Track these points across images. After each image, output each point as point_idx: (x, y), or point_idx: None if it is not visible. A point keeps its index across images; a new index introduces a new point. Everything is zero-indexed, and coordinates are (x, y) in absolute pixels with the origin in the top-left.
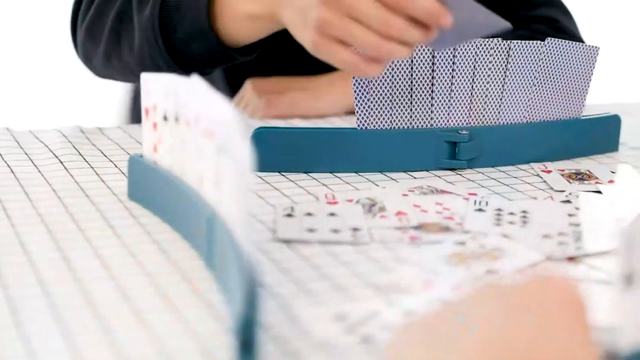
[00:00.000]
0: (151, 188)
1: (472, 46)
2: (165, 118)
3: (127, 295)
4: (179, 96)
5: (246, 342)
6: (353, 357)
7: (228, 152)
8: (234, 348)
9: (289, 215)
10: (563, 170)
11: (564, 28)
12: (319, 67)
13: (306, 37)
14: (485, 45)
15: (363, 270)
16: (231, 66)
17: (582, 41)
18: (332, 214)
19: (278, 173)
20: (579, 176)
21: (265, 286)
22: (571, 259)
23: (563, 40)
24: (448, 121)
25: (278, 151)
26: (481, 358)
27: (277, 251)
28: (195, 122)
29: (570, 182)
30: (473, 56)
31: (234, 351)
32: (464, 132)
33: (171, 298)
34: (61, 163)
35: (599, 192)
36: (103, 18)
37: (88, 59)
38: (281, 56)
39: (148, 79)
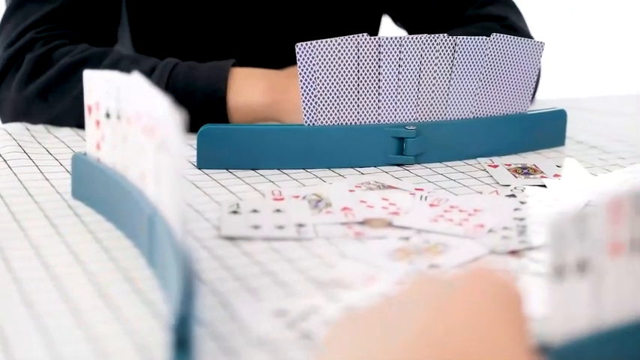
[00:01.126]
0: (94, 186)
1: (418, 41)
2: (107, 116)
3: (67, 294)
4: (120, 93)
5: (181, 340)
6: (292, 352)
7: (166, 149)
8: (170, 346)
9: (235, 212)
10: (509, 165)
11: (514, 25)
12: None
13: None
14: (431, 40)
15: (306, 266)
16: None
17: (531, 38)
18: (278, 211)
19: (225, 170)
20: (525, 170)
21: (206, 283)
22: (514, 252)
23: (509, 36)
24: (395, 116)
25: (225, 149)
26: (414, 350)
27: (221, 248)
28: (137, 119)
29: (516, 177)
30: (419, 52)
31: (169, 349)
32: (411, 127)
33: (112, 297)
34: (5, 161)
35: (544, 186)
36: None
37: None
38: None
39: (90, 76)
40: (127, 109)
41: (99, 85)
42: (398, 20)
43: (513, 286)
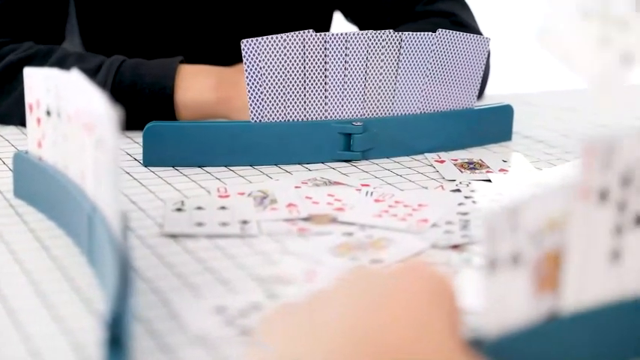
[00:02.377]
0: (35, 185)
1: (364, 37)
2: (48, 114)
3: (2, 293)
4: (60, 91)
5: (115, 337)
6: (230, 349)
7: (104, 146)
8: (103, 344)
9: (179, 210)
10: (456, 160)
11: (463, 22)
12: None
13: None
14: (377, 36)
15: (248, 263)
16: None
17: (480, 34)
18: (222, 208)
19: (172, 168)
20: (471, 165)
21: (147, 281)
22: (456, 246)
23: (454, 32)
24: (342, 112)
25: (171, 146)
26: (343, 342)
27: (163, 246)
28: (76, 117)
29: (462, 171)
30: (365, 48)
31: (103, 347)
32: (358, 123)
33: (49, 296)
34: None
35: (490, 180)
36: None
37: None
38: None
39: (30, 73)
40: (67, 107)
41: (39, 83)
42: (348, 16)
43: (447, 280)
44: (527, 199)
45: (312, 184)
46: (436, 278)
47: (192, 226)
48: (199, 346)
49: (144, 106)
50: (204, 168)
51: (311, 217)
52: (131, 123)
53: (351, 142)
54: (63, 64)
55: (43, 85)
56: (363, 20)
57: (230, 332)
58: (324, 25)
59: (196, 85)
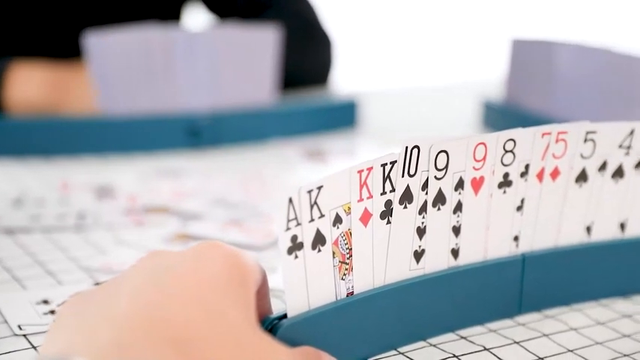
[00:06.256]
0: None
1: (187, 34)
2: None
3: None
4: None
5: None
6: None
7: None
8: None
9: (17, 203)
10: (299, 149)
11: (310, 19)
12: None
13: None
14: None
15: (79, 254)
16: None
17: (324, 32)
18: (62, 201)
19: (15, 159)
20: (313, 155)
21: None
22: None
23: (240, 27)
24: (189, 103)
25: (14, 137)
26: (131, 325)
27: None
28: None
29: (304, 161)
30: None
31: None
32: (205, 114)
33: None
34: None
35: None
36: None
37: None
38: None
39: None
40: None
41: None
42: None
43: (244, 259)
44: (324, 182)
45: (155, 174)
46: (232, 258)
47: (28, 219)
48: (21, 338)
49: None
50: (48, 159)
51: (150, 208)
52: None
53: (197, 133)
54: None
55: None
56: (222, 14)
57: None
58: (175, 16)
59: (27, 84)
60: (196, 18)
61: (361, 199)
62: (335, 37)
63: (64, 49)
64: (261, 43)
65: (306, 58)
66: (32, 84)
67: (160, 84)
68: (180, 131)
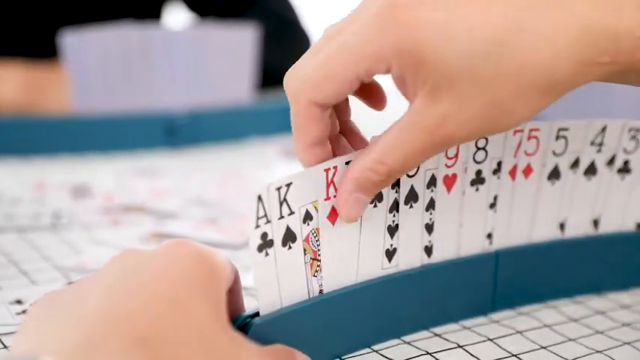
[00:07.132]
0: None
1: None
2: None
3: None
4: None
5: None
6: None
7: None
8: None
9: None
10: (278, 148)
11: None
12: None
13: None
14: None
15: (54, 254)
16: None
17: (304, 32)
18: (37, 200)
19: None
20: (293, 154)
21: None
22: None
23: (218, 26)
24: (167, 102)
25: None
26: (100, 323)
27: None
28: None
29: (283, 160)
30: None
31: None
32: (183, 113)
33: None
34: None
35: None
36: None
37: None
38: None
39: None
40: None
41: None
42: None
43: (214, 257)
44: (293, 179)
45: (132, 173)
46: (201, 255)
47: (2, 218)
48: None
49: None
50: (26, 158)
51: (127, 207)
52: None
53: (175, 132)
54: None
55: None
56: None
57: None
58: (155, 14)
59: (4, 83)
60: (177, 17)
61: (328, 198)
62: (315, 37)
63: (41, 48)
64: (240, 42)
65: (286, 57)
66: (8, 84)
67: (137, 83)
68: (158, 130)
